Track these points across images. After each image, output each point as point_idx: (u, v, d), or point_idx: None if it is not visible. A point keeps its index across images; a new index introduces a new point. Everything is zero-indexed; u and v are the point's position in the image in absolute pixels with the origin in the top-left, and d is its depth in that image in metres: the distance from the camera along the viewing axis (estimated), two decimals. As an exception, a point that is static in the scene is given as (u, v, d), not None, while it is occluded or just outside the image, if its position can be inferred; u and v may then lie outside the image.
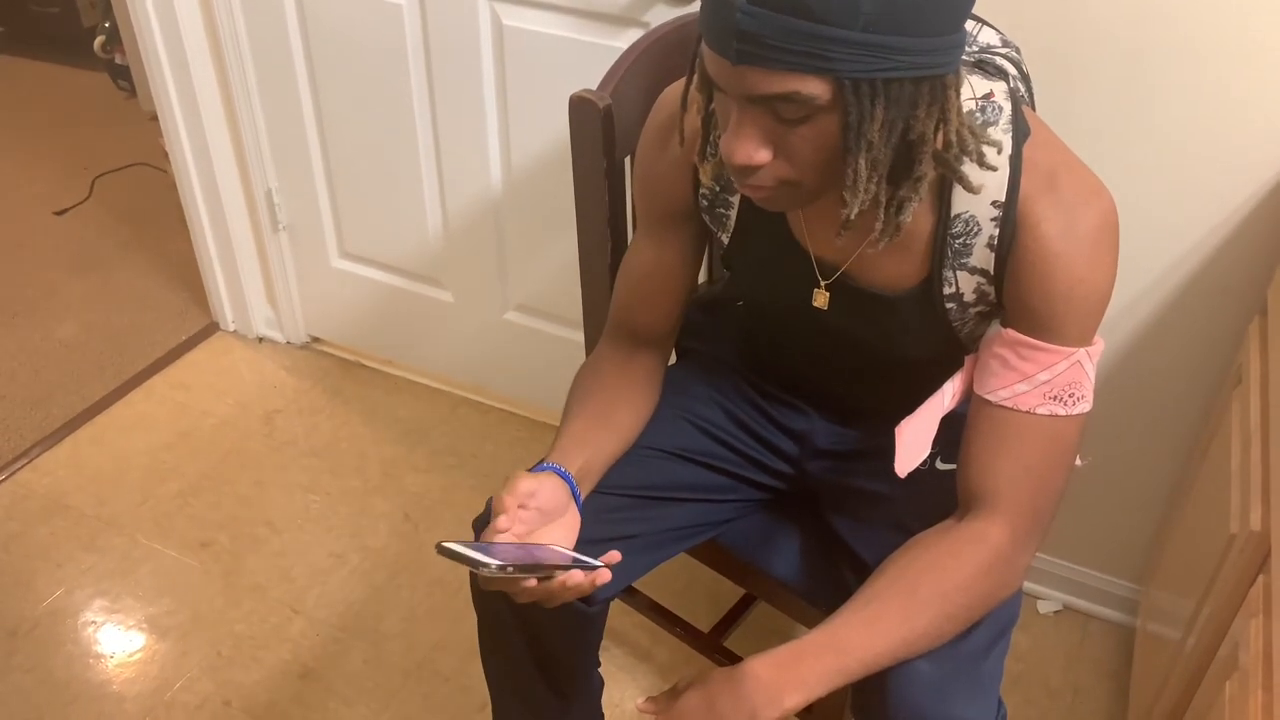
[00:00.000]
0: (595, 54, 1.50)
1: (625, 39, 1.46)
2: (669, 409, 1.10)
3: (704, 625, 1.44)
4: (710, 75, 0.76)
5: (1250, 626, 0.91)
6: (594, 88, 1.12)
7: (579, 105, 1.11)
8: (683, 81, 0.98)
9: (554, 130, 1.62)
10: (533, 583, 0.83)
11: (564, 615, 1.01)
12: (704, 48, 0.76)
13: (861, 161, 0.75)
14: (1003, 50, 0.91)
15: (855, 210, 0.77)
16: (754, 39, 0.70)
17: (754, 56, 0.71)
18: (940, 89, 0.75)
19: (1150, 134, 1.25)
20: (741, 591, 1.54)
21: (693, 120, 0.91)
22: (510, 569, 0.78)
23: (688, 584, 1.66)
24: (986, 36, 0.91)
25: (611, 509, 1.03)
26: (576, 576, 0.85)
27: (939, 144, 0.78)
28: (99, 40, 3.00)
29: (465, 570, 1.09)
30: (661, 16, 1.42)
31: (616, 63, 1.15)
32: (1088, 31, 1.22)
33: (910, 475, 1.01)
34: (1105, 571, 1.60)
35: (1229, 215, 1.26)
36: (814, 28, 0.69)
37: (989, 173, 0.82)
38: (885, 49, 0.70)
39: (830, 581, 1.07)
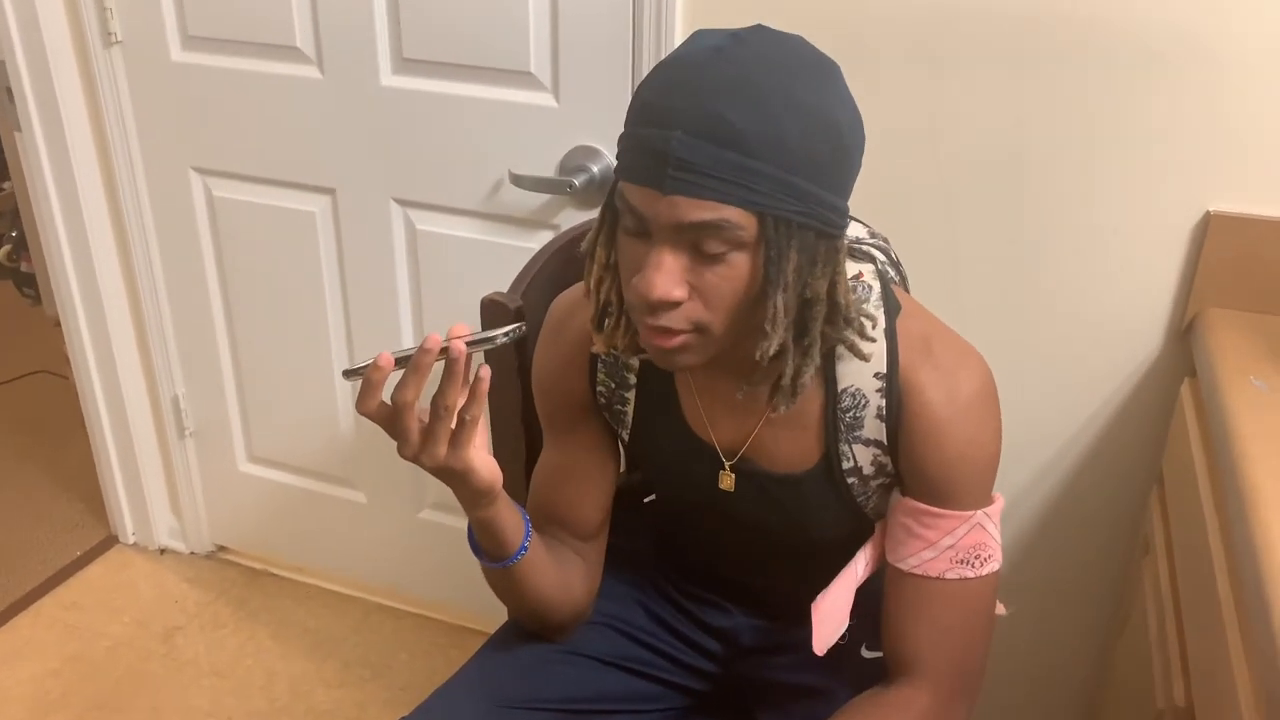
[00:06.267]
0: (508, 255, 1.54)
1: (537, 240, 1.51)
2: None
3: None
4: (634, 208, 0.76)
5: (1190, 808, 0.89)
6: (506, 289, 1.14)
7: (491, 307, 1.12)
8: (572, 288, 1.01)
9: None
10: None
11: None
12: (625, 188, 0.77)
13: (780, 298, 0.77)
14: (870, 241, 0.97)
15: (774, 346, 0.78)
16: (688, 167, 0.73)
17: (686, 184, 0.73)
18: (833, 250, 0.79)
19: (1034, 313, 1.32)
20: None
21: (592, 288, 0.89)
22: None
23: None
24: (854, 230, 0.97)
25: (534, 726, 0.98)
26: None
27: (827, 312, 0.81)
28: (4, 250, 2.97)
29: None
30: (571, 219, 1.48)
31: (528, 265, 1.18)
32: (968, 225, 1.31)
33: (839, 665, 0.99)
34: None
35: (1119, 386, 1.32)
36: (743, 160, 0.72)
37: (869, 344, 0.85)
38: (803, 193, 0.74)
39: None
